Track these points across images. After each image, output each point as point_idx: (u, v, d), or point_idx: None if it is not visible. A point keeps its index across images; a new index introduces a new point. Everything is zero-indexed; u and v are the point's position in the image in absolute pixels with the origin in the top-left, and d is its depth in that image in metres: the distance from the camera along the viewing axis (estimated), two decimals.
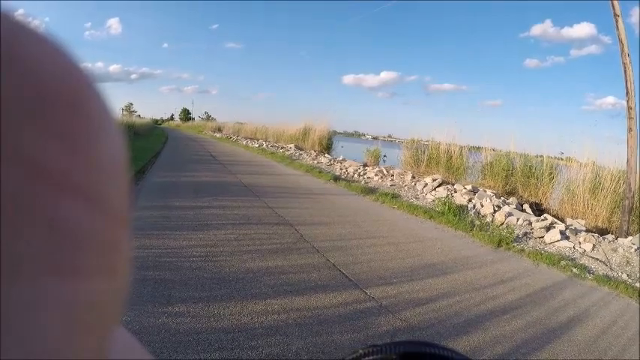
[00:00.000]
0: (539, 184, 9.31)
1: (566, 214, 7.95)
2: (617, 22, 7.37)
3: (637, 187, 7.10)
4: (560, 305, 3.83)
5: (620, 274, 5.04)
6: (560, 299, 3.99)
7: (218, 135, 38.34)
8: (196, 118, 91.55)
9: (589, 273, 4.95)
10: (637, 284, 4.68)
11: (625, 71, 7.23)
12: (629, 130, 7.15)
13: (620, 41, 7.31)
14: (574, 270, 4.94)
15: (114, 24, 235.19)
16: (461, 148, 11.94)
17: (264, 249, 4.22)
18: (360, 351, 0.32)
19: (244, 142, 26.14)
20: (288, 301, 3.04)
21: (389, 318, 3.01)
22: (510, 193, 9.66)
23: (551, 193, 9.19)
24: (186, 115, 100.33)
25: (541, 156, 9.92)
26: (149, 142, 18.32)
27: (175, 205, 5.71)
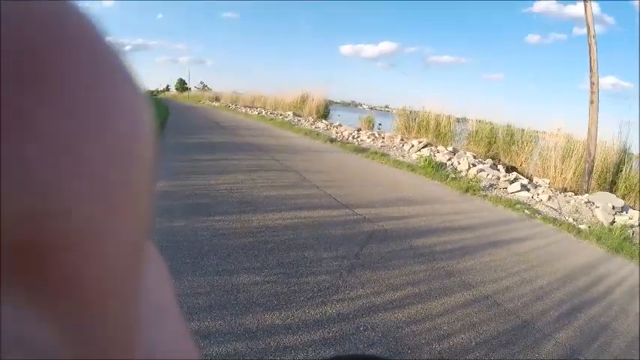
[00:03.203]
0: (519, 151, 10.41)
1: (539, 176, 9.01)
2: (586, 6, 8.36)
3: (595, 153, 8.21)
4: (506, 230, 4.99)
5: (567, 218, 6.11)
6: (507, 227, 5.14)
7: (216, 104, 39.07)
8: (192, 89, 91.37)
9: (538, 214, 6.07)
10: (581, 225, 5.75)
11: (590, 51, 8.27)
12: (591, 102, 8.21)
13: (588, 24, 8.33)
14: (526, 211, 6.08)
15: None
16: (449, 116, 13.01)
17: (276, 185, 5.40)
18: None
19: (243, 110, 27.07)
20: (297, 214, 4.22)
21: (369, 225, 4.19)
22: (492, 158, 10.75)
23: (527, 159, 10.28)
24: (182, 85, 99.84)
25: (523, 129, 11.05)
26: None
27: (198, 159, 6.80)
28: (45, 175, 0.10)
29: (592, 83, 8.19)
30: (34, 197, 0.10)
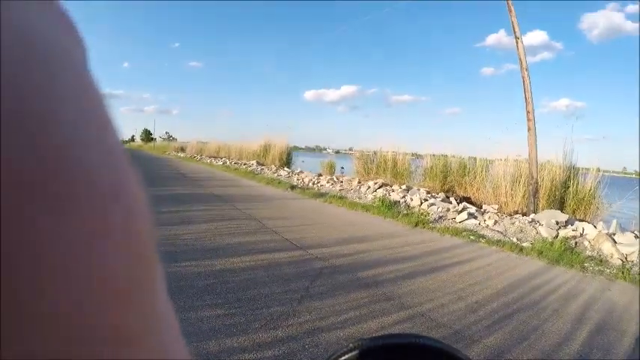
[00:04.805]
0: (471, 182, 11.10)
1: (490, 203, 9.75)
2: (517, 42, 9.36)
3: (537, 175, 8.99)
4: (448, 256, 5.54)
5: (511, 238, 6.68)
6: (451, 253, 5.70)
7: (182, 155, 39.50)
8: (158, 139, 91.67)
9: (483, 238, 6.63)
10: (524, 244, 6.32)
11: (524, 82, 9.22)
12: (529, 129, 9.12)
13: (520, 59, 9.31)
14: (472, 237, 6.67)
15: None
16: (404, 155, 13.79)
17: (237, 232, 5.88)
18: (351, 345, 0.35)
19: (208, 161, 27.57)
20: (255, 257, 4.71)
21: (320, 263, 4.72)
22: (447, 191, 11.43)
23: (479, 189, 10.90)
24: (147, 135, 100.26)
25: (474, 158, 11.85)
26: None
27: (161, 211, 7.20)
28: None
29: (528, 112, 9.11)
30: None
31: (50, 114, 0.12)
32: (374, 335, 0.41)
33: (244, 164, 21.77)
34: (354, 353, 0.37)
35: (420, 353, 0.37)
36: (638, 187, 8.22)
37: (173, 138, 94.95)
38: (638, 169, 8.84)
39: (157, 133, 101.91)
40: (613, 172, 10.07)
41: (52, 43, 0.14)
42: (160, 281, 0.17)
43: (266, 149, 22.64)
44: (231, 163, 23.76)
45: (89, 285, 0.12)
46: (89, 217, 0.12)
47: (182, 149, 46.40)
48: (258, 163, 21.47)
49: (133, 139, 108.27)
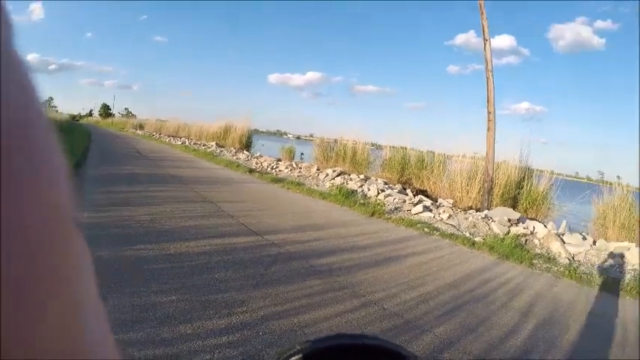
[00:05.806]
0: (429, 176, 11.31)
1: (445, 198, 9.96)
2: (485, 44, 9.56)
3: (493, 173, 9.29)
4: (402, 247, 5.70)
5: (464, 232, 6.93)
6: (405, 244, 5.85)
7: (140, 132, 38.61)
8: (116, 115, 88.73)
9: (437, 231, 6.83)
10: (476, 238, 6.56)
11: (487, 83, 9.45)
12: (488, 129, 9.38)
13: (486, 60, 9.51)
14: (426, 229, 6.86)
15: (36, 9, 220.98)
16: (364, 145, 13.89)
17: (193, 215, 5.84)
18: (297, 347, 0.36)
19: (167, 140, 27.06)
20: (210, 241, 4.71)
21: (276, 249, 4.76)
22: (404, 183, 11.63)
23: (435, 183, 11.15)
24: (105, 110, 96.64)
25: (432, 152, 12.10)
26: (74, 140, 18.74)
27: (118, 191, 7.08)
28: None
29: (489, 112, 9.38)
30: None
31: None
32: (321, 335, 0.43)
33: (204, 145, 21.51)
34: (300, 356, 0.38)
35: (368, 353, 0.39)
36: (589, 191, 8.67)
37: (132, 114, 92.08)
38: (589, 175, 9.32)
39: (116, 109, 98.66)
40: (566, 175, 10.53)
41: None
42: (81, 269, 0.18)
43: (226, 131, 22.41)
44: (190, 143, 23.43)
45: None
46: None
47: (141, 127, 45.29)
48: (217, 144, 21.23)
49: (91, 114, 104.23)
